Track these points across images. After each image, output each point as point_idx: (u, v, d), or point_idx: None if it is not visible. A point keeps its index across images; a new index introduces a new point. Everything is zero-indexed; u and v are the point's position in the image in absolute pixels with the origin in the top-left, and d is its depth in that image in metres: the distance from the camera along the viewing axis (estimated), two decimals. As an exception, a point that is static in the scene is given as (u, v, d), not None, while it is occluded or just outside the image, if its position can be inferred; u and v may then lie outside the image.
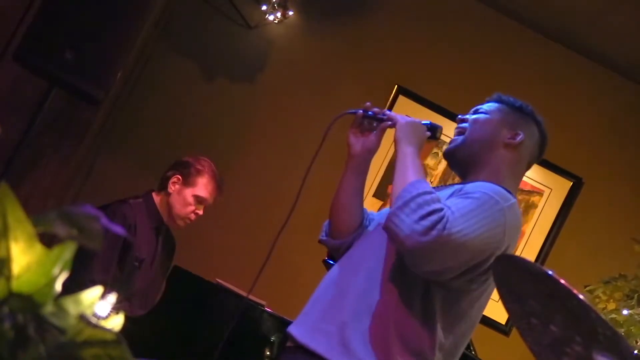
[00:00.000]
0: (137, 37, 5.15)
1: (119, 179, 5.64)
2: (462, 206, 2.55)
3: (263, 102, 5.96)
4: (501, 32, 6.07)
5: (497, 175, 2.81)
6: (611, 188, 5.92)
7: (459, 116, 2.98)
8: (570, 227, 5.88)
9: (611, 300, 4.80)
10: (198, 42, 6.02)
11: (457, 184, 2.88)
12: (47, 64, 3.73)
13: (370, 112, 2.94)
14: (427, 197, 2.51)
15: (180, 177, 4.66)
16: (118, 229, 0.96)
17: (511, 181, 2.86)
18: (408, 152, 2.73)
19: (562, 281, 1.92)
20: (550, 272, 1.96)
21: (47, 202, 5.12)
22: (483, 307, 2.80)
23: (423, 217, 2.46)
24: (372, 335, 2.62)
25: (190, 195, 4.64)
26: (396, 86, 5.94)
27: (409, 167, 2.68)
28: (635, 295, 4.70)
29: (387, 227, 2.54)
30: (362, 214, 3.03)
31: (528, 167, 2.98)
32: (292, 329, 2.80)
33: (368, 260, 2.76)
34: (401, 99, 5.93)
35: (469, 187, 2.69)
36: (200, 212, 4.71)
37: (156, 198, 4.67)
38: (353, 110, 2.98)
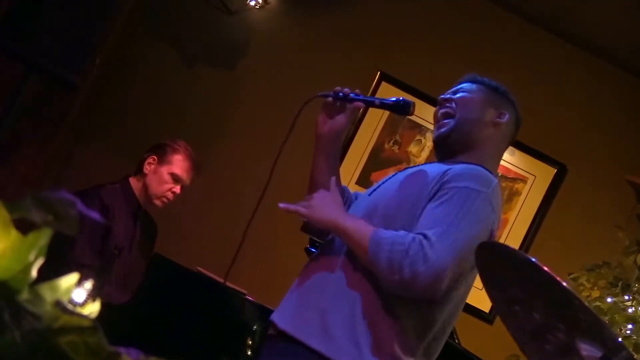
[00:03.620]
0: (116, 22, 5.11)
1: (97, 165, 5.60)
2: (440, 217, 2.56)
3: (243, 89, 5.92)
4: (485, 18, 6.04)
5: (483, 156, 2.83)
6: (596, 175, 5.90)
7: (441, 97, 2.95)
8: (554, 215, 5.87)
9: (595, 288, 4.83)
10: (177, 28, 5.98)
11: (444, 163, 2.84)
12: (24, 49, 3.69)
13: (340, 94, 2.91)
14: (393, 239, 2.53)
15: (155, 157, 4.70)
16: (94, 215, 0.94)
17: (494, 160, 2.91)
18: (343, 226, 2.68)
19: (545, 268, 1.92)
20: (533, 259, 1.97)
21: (25, 188, 5.06)
22: (470, 285, 2.79)
23: (401, 267, 2.48)
24: (353, 321, 2.61)
25: (166, 172, 4.66)
26: (379, 72, 5.90)
27: (356, 231, 2.64)
28: (620, 283, 4.73)
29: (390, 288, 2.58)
30: (341, 193, 2.97)
31: (507, 147, 3.01)
32: (274, 316, 2.79)
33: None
34: (384, 85, 5.89)
35: (452, 175, 2.67)
36: (178, 191, 4.73)
37: (133, 182, 4.69)
38: (324, 93, 2.96)
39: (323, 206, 2.79)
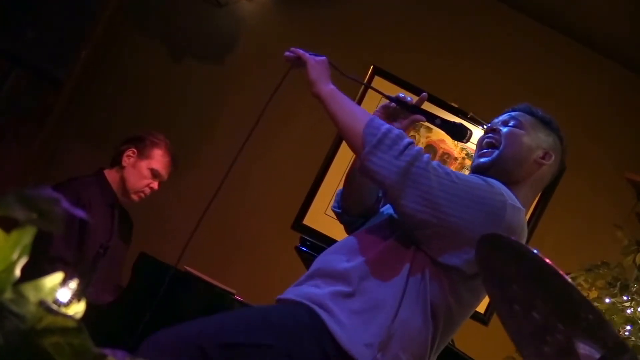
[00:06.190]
0: (102, 15, 5.02)
1: (82, 162, 5.51)
2: (462, 175, 2.62)
3: (232, 83, 5.86)
4: (479, 11, 6.00)
5: (517, 189, 2.79)
6: (594, 173, 5.86)
7: (489, 125, 2.92)
8: (551, 214, 5.82)
9: (593, 289, 4.84)
10: (165, 21, 5.90)
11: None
12: (7, 43, 3.61)
13: (404, 100, 2.91)
14: (395, 132, 2.57)
15: (135, 150, 4.65)
16: (74, 209, 0.94)
17: (528, 196, 2.88)
18: (333, 90, 2.78)
19: (547, 260, 1.90)
20: (535, 251, 1.95)
21: (8, 186, 5.03)
22: (481, 295, 2.76)
23: (401, 152, 2.52)
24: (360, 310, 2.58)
25: (146, 168, 4.63)
26: (372, 66, 5.85)
27: (349, 103, 2.74)
28: (618, 284, 4.72)
29: (366, 168, 2.57)
30: (375, 194, 3.01)
31: (544, 186, 2.97)
32: (282, 295, 2.77)
33: (366, 250, 2.71)
34: (377, 79, 5.84)
35: None
36: (155, 187, 4.72)
37: (109, 175, 4.65)
38: (389, 96, 2.94)
39: (325, 67, 2.91)
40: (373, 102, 5.70)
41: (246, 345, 2.47)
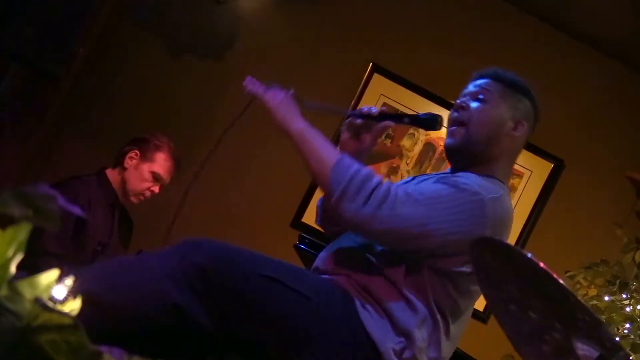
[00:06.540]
0: (100, 12, 5.00)
1: (81, 159, 5.51)
2: (429, 190, 2.56)
3: (231, 81, 5.80)
4: (480, 8, 5.98)
5: (496, 168, 2.76)
6: (593, 171, 5.85)
7: (458, 101, 2.84)
8: (550, 211, 5.81)
9: (592, 287, 4.82)
10: (163, 18, 5.88)
11: (445, 172, 2.83)
12: (5, 40, 3.60)
13: (367, 113, 2.82)
14: (360, 177, 2.50)
15: (138, 152, 4.63)
16: (74, 209, 0.94)
17: (507, 170, 2.84)
18: (301, 130, 2.67)
19: (541, 264, 1.91)
20: (529, 255, 1.96)
21: (6, 183, 5.01)
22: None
23: (367, 199, 2.46)
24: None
25: (148, 171, 4.61)
26: (371, 64, 5.83)
27: (317, 144, 2.63)
28: (617, 282, 4.71)
29: (337, 215, 2.53)
30: None
31: (520, 152, 2.92)
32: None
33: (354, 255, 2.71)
34: (376, 77, 5.83)
35: (457, 174, 2.68)
36: (156, 190, 4.71)
37: (110, 175, 4.63)
38: (351, 112, 2.86)
39: (289, 105, 2.77)
40: (372, 101, 5.69)
41: (286, 286, 2.46)
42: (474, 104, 2.79)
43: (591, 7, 5.52)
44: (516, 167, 5.80)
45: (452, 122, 2.81)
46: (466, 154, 2.77)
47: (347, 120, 2.88)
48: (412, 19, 5.95)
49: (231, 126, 2.83)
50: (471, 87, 2.87)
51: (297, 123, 2.69)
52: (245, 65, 5.83)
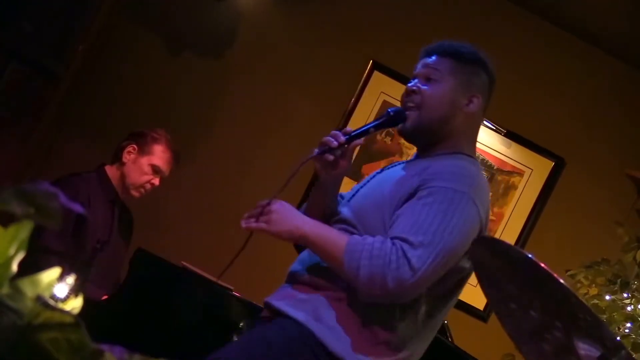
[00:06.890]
0: (100, 8, 5.00)
1: (80, 157, 5.51)
2: (424, 222, 2.51)
3: (232, 78, 5.84)
4: (479, 5, 5.98)
5: (460, 143, 2.76)
6: (594, 169, 5.84)
7: (409, 85, 2.81)
8: (551, 210, 5.80)
9: (593, 286, 4.83)
10: (163, 15, 5.87)
11: (422, 158, 2.79)
12: (4, 38, 3.59)
13: (335, 143, 2.73)
14: (370, 250, 2.49)
15: (135, 146, 4.63)
16: (75, 206, 0.93)
17: (471, 142, 2.83)
18: (306, 234, 2.65)
19: (542, 265, 1.91)
20: (529, 255, 1.97)
21: (6, 181, 5.03)
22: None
23: (384, 279, 2.45)
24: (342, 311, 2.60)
25: (147, 164, 4.61)
26: (371, 61, 5.83)
27: (324, 241, 2.61)
28: (618, 281, 4.72)
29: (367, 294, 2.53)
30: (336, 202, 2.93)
31: (481, 121, 2.92)
32: (272, 300, 2.75)
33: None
34: (376, 74, 5.82)
35: (433, 173, 2.62)
36: (156, 183, 4.70)
37: (110, 171, 4.63)
38: (318, 152, 2.76)
39: (284, 218, 2.72)
40: (372, 99, 5.69)
41: None
42: (424, 87, 2.76)
43: (592, 5, 5.52)
44: (516, 165, 5.82)
45: (404, 107, 2.78)
46: (421, 136, 2.76)
47: (315, 158, 2.79)
48: (412, 15, 5.95)
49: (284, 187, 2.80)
50: (420, 68, 2.84)
51: (299, 229, 2.66)
52: (245, 62, 5.84)
